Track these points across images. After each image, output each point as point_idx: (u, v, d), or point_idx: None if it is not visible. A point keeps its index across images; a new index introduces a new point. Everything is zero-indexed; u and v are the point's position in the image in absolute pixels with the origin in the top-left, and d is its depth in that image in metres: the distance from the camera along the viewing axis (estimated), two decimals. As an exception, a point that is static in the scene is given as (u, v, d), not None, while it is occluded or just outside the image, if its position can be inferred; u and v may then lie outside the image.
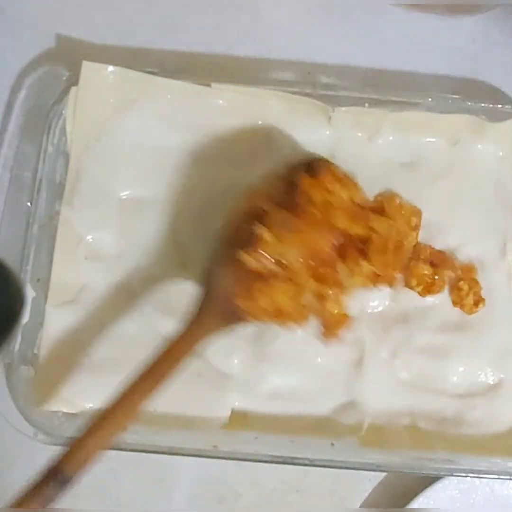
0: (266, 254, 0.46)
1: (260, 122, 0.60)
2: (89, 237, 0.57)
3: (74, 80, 0.58)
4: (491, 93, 0.64)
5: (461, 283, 0.56)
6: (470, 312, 0.57)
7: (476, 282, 0.57)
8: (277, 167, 0.53)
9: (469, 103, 0.59)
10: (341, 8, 0.66)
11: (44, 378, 0.54)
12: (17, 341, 0.54)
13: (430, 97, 0.59)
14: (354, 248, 0.49)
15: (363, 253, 0.50)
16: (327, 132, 0.60)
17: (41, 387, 0.54)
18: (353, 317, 0.56)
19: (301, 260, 0.47)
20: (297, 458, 0.52)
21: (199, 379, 0.55)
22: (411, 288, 0.57)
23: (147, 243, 0.58)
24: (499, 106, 0.59)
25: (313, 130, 0.60)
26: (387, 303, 0.57)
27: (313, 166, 0.50)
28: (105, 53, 0.63)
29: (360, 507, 0.58)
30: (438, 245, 0.58)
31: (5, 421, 0.52)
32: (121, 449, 0.52)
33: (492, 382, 0.56)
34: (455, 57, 0.65)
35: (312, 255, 0.47)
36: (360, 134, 0.60)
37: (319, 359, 0.56)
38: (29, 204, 0.57)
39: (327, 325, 0.52)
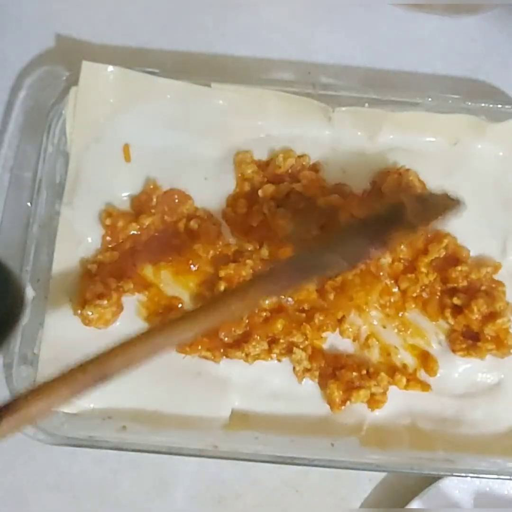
0: None
1: (260, 122, 0.60)
2: (89, 237, 0.57)
3: (74, 80, 0.58)
4: (491, 93, 0.64)
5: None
6: None
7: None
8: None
9: (469, 103, 0.59)
10: (341, 8, 0.66)
11: (44, 378, 0.54)
12: (17, 341, 0.54)
13: (430, 97, 0.59)
14: None
15: None
16: (327, 132, 0.60)
17: (41, 387, 0.54)
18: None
19: None
20: (297, 458, 0.52)
21: (199, 379, 0.55)
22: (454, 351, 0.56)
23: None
24: (499, 106, 0.59)
25: (313, 130, 0.60)
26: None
27: None
28: (105, 53, 0.63)
29: (360, 507, 0.57)
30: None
31: (5, 421, 0.53)
32: (121, 449, 0.52)
33: (492, 382, 0.56)
34: (455, 57, 0.65)
35: None
36: (360, 134, 0.60)
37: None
38: (29, 204, 0.57)
39: None
